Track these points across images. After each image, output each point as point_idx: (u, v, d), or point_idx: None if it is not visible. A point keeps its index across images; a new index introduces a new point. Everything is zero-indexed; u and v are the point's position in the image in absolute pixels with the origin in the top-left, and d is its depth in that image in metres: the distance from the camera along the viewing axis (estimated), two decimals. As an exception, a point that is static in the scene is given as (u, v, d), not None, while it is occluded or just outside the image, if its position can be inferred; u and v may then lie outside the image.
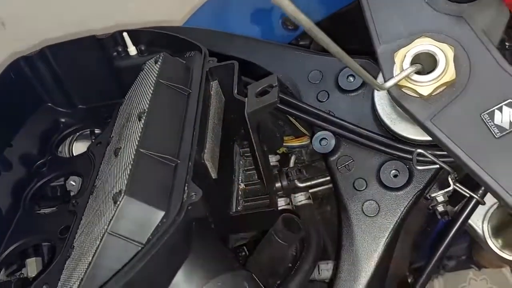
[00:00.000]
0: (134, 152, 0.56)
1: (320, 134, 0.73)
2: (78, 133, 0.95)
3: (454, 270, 1.43)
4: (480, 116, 0.56)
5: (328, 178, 0.78)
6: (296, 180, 0.85)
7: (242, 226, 0.72)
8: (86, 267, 0.50)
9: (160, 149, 0.57)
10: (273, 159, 0.91)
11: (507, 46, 0.75)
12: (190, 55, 0.78)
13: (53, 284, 0.57)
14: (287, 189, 0.83)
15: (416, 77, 0.58)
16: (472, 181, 0.69)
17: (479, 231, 0.89)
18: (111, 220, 0.50)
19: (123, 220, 0.50)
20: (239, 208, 0.70)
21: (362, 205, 0.69)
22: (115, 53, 0.88)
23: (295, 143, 0.94)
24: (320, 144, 0.73)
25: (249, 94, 0.62)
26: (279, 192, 0.83)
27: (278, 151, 0.94)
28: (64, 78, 0.92)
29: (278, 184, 0.80)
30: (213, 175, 0.62)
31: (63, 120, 0.95)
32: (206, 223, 0.60)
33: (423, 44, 0.58)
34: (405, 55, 0.59)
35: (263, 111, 0.60)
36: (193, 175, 0.54)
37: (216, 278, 0.55)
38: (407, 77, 0.58)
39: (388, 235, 0.67)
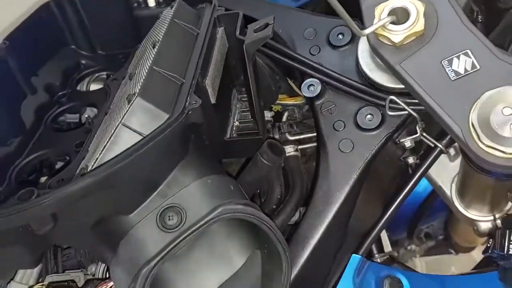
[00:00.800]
0: (147, 70, 0.67)
1: (308, 80, 0.83)
2: (96, 75, 1.06)
3: (433, 254, 1.53)
4: (441, 63, 0.66)
5: (315, 134, 0.88)
6: (286, 133, 0.95)
7: (234, 151, 0.82)
8: (100, 151, 0.60)
9: (170, 69, 0.68)
10: (268, 115, 1.01)
11: (479, 19, 0.85)
12: (202, 7, 0.88)
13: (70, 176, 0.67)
14: (284, 154, 0.94)
15: (391, 26, 0.68)
16: (437, 132, 0.80)
17: (448, 192, 0.99)
18: (124, 114, 0.61)
19: (134, 116, 0.61)
20: (233, 135, 0.81)
21: (339, 143, 0.79)
22: (135, 4, 0.99)
23: (289, 101, 1.04)
24: (308, 90, 0.83)
25: (248, 30, 0.73)
26: None
27: (273, 109, 1.04)
28: (89, 24, 1.02)
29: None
30: (212, 100, 0.72)
31: (83, 62, 1.06)
32: (202, 137, 0.70)
33: (399, 0, 0.68)
34: (383, 9, 0.69)
35: (259, 43, 0.71)
36: (194, 91, 0.65)
37: (207, 177, 0.65)
38: (383, 26, 0.68)
39: (359, 169, 0.77)
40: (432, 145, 0.81)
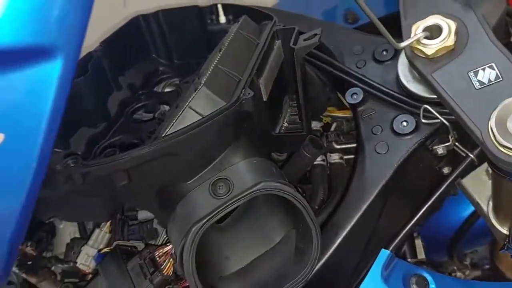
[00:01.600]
0: (212, 67, 0.81)
1: (352, 89, 0.94)
2: (171, 80, 1.23)
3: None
4: (467, 74, 0.74)
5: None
6: (333, 142, 1.06)
7: (280, 146, 0.93)
8: (169, 127, 0.74)
9: (231, 68, 0.81)
10: (317, 125, 1.12)
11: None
12: (265, 23, 1.02)
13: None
14: (325, 149, 1.04)
15: (425, 41, 0.77)
16: (469, 143, 0.87)
17: (484, 208, 1.04)
18: (191, 99, 0.75)
19: (198, 101, 0.75)
20: (281, 131, 0.93)
21: (376, 145, 0.88)
22: (209, 20, 1.15)
23: (338, 113, 1.15)
24: (351, 97, 0.94)
25: (299, 40, 0.85)
26: None
27: (323, 120, 1.15)
28: (168, 37, 1.20)
29: None
30: (264, 97, 0.85)
31: (161, 68, 1.23)
32: (253, 128, 0.82)
33: (434, 19, 0.78)
34: (419, 26, 0.79)
35: (307, 49, 0.83)
36: (249, 86, 0.78)
37: (254, 158, 0.77)
38: (418, 41, 0.78)
39: (392, 169, 0.85)
40: (464, 154, 0.88)
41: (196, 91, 0.75)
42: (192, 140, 0.70)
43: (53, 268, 1.09)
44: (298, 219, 0.79)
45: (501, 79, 0.72)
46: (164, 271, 0.86)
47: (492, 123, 0.68)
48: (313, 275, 0.82)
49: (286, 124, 0.99)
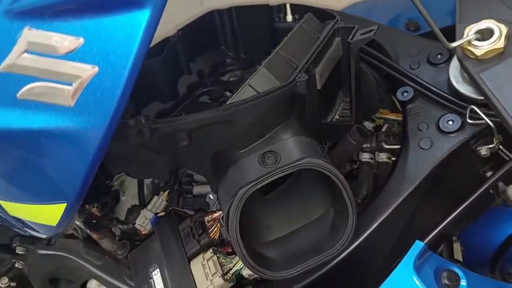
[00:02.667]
0: (273, 54, 0.90)
1: (403, 88, 0.99)
2: (236, 72, 1.33)
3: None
4: (514, 75, 0.78)
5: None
6: (383, 142, 1.11)
7: (329, 134, 0.99)
8: (229, 100, 0.83)
9: (290, 55, 0.90)
10: (370, 126, 1.18)
11: None
12: (328, 22, 1.10)
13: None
14: (374, 148, 1.09)
15: (475, 42, 0.82)
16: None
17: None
18: (251, 78, 0.84)
19: (258, 79, 0.84)
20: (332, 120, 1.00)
21: (420, 140, 0.92)
22: (277, 18, 1.25)
23: (391, 116, 1.19)
24: (402, 95, 0.99)
25: (356, 34, 0.92)
26: (368, 149, 1.09)
27: (376, 122, 1.20)
28: (238, 31, 1.31)
29: (367, 145, 1.06)
30: (318, 86, 0.92)
31: (228, 61, 1.34)
32: (305, 112, 0.90)
33: (486, 23, 0.83)
34: (471, 28, 0.84)
35: (362, 42, 0.90)
36: (305, 72, 0.86)
37: (302, 137, 0.85)
38: (469, 42, 0.82)
39: (434, 164, 0.89)
40: (507, 158, 0.90)
41: (257, 71, 0.84)
42: (247, 111, 0.79)
43: (113, 229, 1.21)
44: (338, 198, 0.85)
45: (546, 82, 0.75)
46: (211, 234, 0.95)
47: (534, 123, 0.71)
48: (346, 256, 0.88)
49: (337, 117, 1.06)
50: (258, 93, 0.82)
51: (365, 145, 1.09)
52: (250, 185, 0.78)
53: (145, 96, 1.06)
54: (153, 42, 1.12)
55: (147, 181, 1.29)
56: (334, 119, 1.04)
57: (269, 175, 0.79)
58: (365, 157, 1.09)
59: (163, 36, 1.15)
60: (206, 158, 0.85)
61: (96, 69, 0.56)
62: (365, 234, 0.88)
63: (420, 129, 0.94)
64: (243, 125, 0.81)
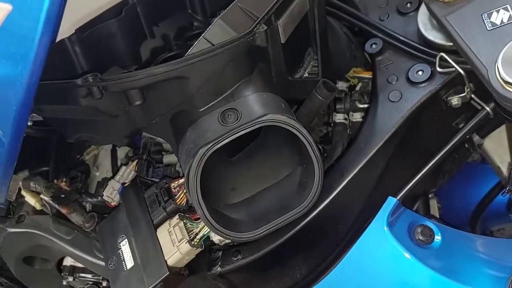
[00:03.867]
0: (232, 5, 0.85)
1: (372, 39, 0.95)
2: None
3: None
4: (481, 16, 0.74)
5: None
6: (357, 101, 1.07)
7: (295, 91, 0.95)
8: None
9: (250, 7, 0.85)
10: (344, 86, 1.14)
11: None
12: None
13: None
14: (348, 108, 1.06)
15: (442, -15, 0.78)
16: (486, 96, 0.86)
17: (505, 172, 1.02)
18: (206, 31, 0.79)
19: (213, 32, 0.79)
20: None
21: (389, 93, 0.89)
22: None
23: (365, 74, 1.15)
24: (370, 47, 0.95)
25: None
26: (341, 110, 1.06)
27: (350, 82, 1.16)
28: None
29: (340, 105, 1.02)
30: (282, 39, 0.88)
31: (196, 24, 1.28)
32: (269, 69, 0.85)
33: (451, -36, 0.78)
34: (437, -30, 0.79)
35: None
36: (266, 24, 0.81)
37: (264, 93, 0.81)
38: (436, -15, 0.78)
39: (403, 117, 0.86)
40: (480, 107, 0.87)
41: (212, 23, 0.79)
42: (202, 65, 0.75)
43: (85, 204, 1.18)
44: (304, 155, 0.81)
45: (514, 20, 0.71)
46: (178, 200, 0.91)
47: (498, 61, 0.68)
48: (317, 215, 0.85)
49: (306, 74, 1.01)
50: (213, 45, 0.78)
51: (338, 106, 1.06)
52: (210, 145, 0.75)
53: (104, 60, 1.01)
54: (111, 4, 1.07)
55: (121, 154, 1.25)
56: (303, 77, 1.00)
57: (229, 133, 0.76)
58: (339, 117, 1.05)
59: (123, -2, 1.09)
60: (164, 119, 0.81)
61: (10, 7, 0.50)
62: (335, 192, 0.85)
63: (389, 81, 0.90)
64: (199, 81, 0.77)
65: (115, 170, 1.21)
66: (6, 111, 0.59)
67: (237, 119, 0.77)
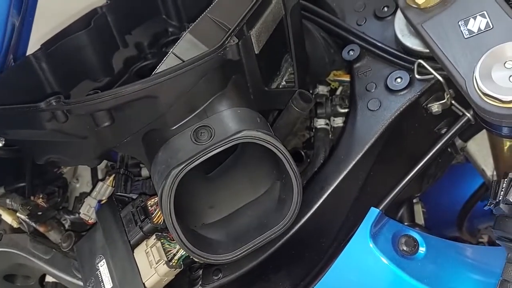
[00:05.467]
0: (201, 17, 0.81)
1: (349, 46, 0.92)
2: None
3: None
4: (458, 23, 0.72)
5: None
6: (337, 106, 1.04)
7: (271, 102, 0.92)
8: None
9: (221, 18, 0.81)
10: (324, 90, 1.11)
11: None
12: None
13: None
14: (329, 113, 1.03)
15: (417, -9, 0.75)
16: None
17: (489, 174, 1.00)
18: (175, 46, 0.76)
19: (183, 47, 0.76)
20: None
21: (368, 102, 0.86)
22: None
23: (345, 78, 1.13)
24: (348, 54, 0.92)
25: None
26: (322, 115, 1.03)
27: (331, 85, 1.13)
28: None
29: (321, 110, 0.99)
30: (256, 50, 0.85)
31: (171, 30, 1.24)
32: (245, 82, 0.82)
33: (427, -32, 0.75)
34: (412, -25, 0.76)
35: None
36: (237, 37, 0.78)
37: (239, 108, 0.78)
38: (411, -9, 0.75)
39: (383, 126, 0.83)
40: (461, 113, 0.85)
41: (181, 38, 0.76)
42: (171, 83, 0.71)
43: (63, 220, 1.15)
44: (282, 170, 0.79)
45: (491, 27, 0.69)
46: (155, 219, 0.89)
47: (476, 72, 0.66)
48: (298, 231, 0.82)
49: (284, 83, 0.98)
50: (183, 61, 0.75)
51: (319, 111, 1.03)
52: (182, 166, 0.72)
53: (74, 75, 0.97)
54: (79, 15, 1.03)
55: (101, 165, 1.22)
56: (280, 86, 0.97)
57: (202, 152, 0.73)
58: (321, 123, 1.03)
59: (91, 7, 1.05)
60: (136, 138, 0.78)
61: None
62: (315, 206, 0.83)
63: (368, 89, 0.88)
64: (169, 99, 0.73)
65: (95, 181, 1.18)
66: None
67: (211, 137, 0.74)
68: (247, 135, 0.74)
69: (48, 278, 1.19)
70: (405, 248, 0.84)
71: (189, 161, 0.72)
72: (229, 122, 0.76)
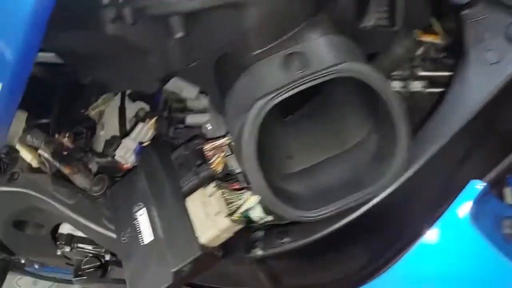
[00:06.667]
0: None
1: (461, -13, 0.77)
2: None
3: None
4: None
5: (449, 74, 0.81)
6: (418, 68, 0.90)
7: (367, 43, 0.77)
8: None
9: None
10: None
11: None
12: None
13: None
14: (407, 75, 0.88)
15: None
16: None
17: None
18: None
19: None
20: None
21: (483, 53, 0.72)
22: None
23: (427, 38, 0.98)
24: (459, -4, 0.77)
25: None
26: (398, 76, 0.89)
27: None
28: None
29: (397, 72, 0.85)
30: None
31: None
32: (336, 7, 0.68)
33: None
34: None
35: None
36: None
37: (336, 36, 0.64)
38: None
39: (502, 82, 0.70)
40: None
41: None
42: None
43: (90, 164, 1.02)
44: (382, 119, 0.65)
45: None
46: (213, 165, 0.75)
47: None
48: (389, 196, 0.69)
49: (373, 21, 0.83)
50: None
51: (395, 72, 0.88)
52: (271, 96, 0.58)
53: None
54: None
55: (130, 114, 1.08)
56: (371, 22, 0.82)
57: (295, 83, 0.59)
58: (394, 85, 0.88)
59: None
60: (208, 61, 0.64)
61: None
62: (412, 170, 0.69)
63: (483, 40, 0.73)
64: (259, 12, 0.60)
65: (123, 131, 1.05)
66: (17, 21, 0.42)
67: (305, 66, 0.60)
68: (351, 68, 0.60)
69: (63, 229, 1.07)
70: (510, 232, 0.71)
71: (279, 92, 0.58)
72: (326, 50, 0.63)
